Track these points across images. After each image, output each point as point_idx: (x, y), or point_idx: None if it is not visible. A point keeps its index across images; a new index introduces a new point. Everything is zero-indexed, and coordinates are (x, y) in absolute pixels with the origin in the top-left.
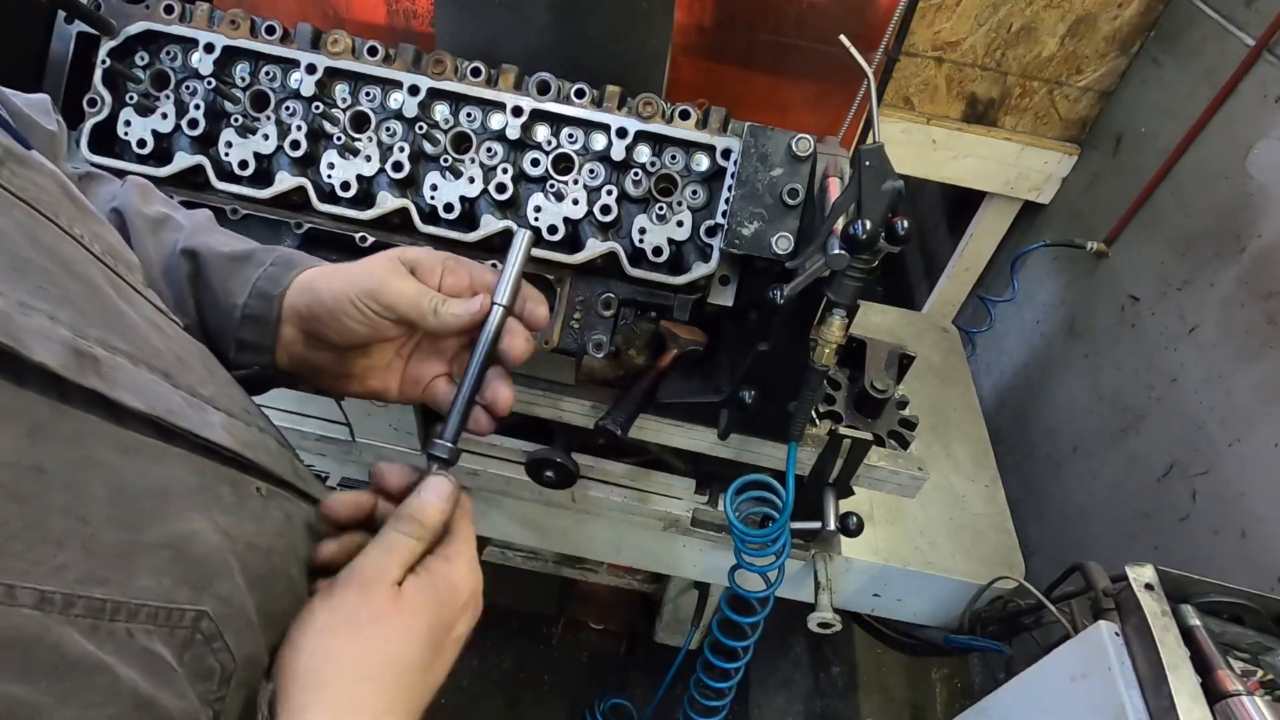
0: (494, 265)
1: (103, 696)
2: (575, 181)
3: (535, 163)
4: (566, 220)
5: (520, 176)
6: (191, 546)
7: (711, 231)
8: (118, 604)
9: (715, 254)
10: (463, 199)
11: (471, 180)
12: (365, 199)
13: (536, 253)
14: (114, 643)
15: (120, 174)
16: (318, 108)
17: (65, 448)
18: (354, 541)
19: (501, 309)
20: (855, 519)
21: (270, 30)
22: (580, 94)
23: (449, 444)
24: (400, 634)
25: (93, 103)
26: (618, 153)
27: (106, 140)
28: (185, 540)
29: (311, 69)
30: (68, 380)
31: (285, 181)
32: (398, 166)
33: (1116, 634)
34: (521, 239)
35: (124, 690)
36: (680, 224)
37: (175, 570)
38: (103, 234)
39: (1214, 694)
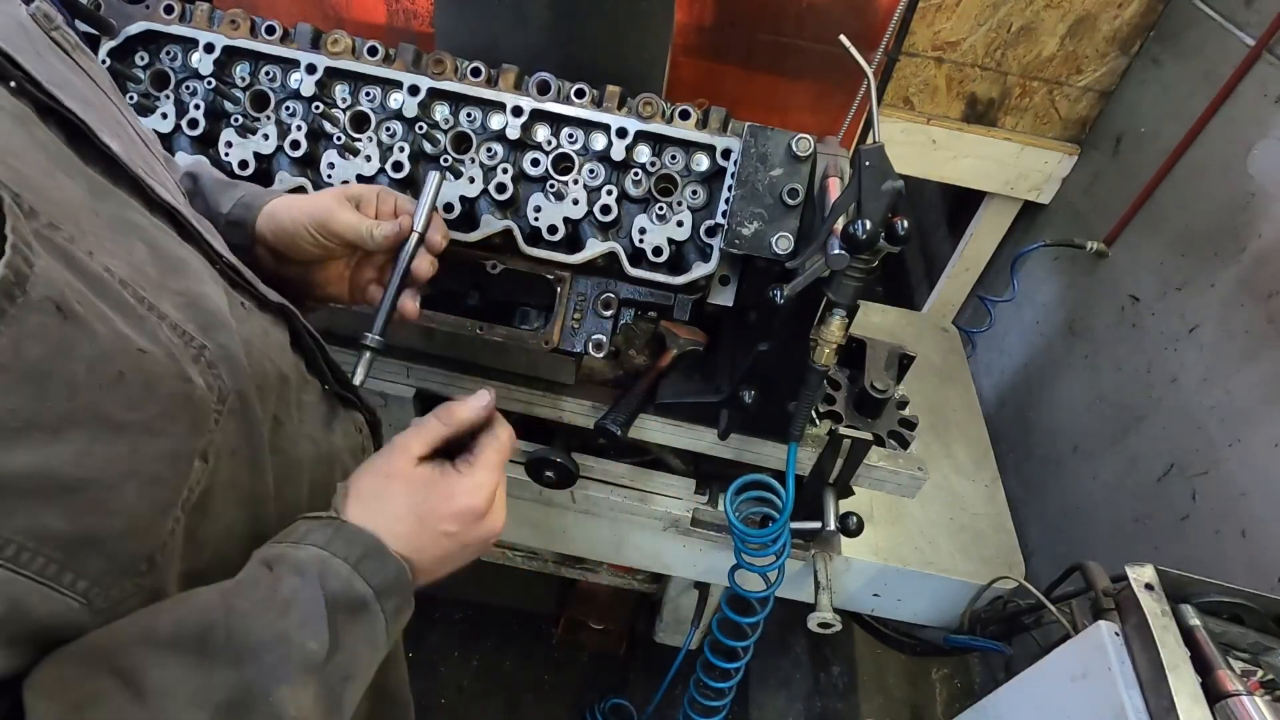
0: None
1: (149, 336)
2: (575, 181)
3: (535, 163)
4: (566, 220)
5: (520, 176)
6: (202, 302)
7: (711, 231)
8: (152, 304)
9: (715, 254)
10: (463, 199)
11: (472, 180)
12: None
13: (536, 252)
14: (151, 323)
15: None
16: (318, 108)
17: (116, 207)
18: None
19: (416, 235)
20: (855, 519)
21: (270, 30)
22: (580, 94)
23: (378, 337)
24: (396, 491)
25: None
26: (618, 153)
27: None
28: (198, 296)
29: (311, 69)
30: (120, 164)
31: (285, 182)
32: (398, 166)
33: (1116, 634)
34: (433, 179)
35: (161, 341)
36: (680, 224)
37: (189, 312)
38: (138, 121)
39: (1214, 694)
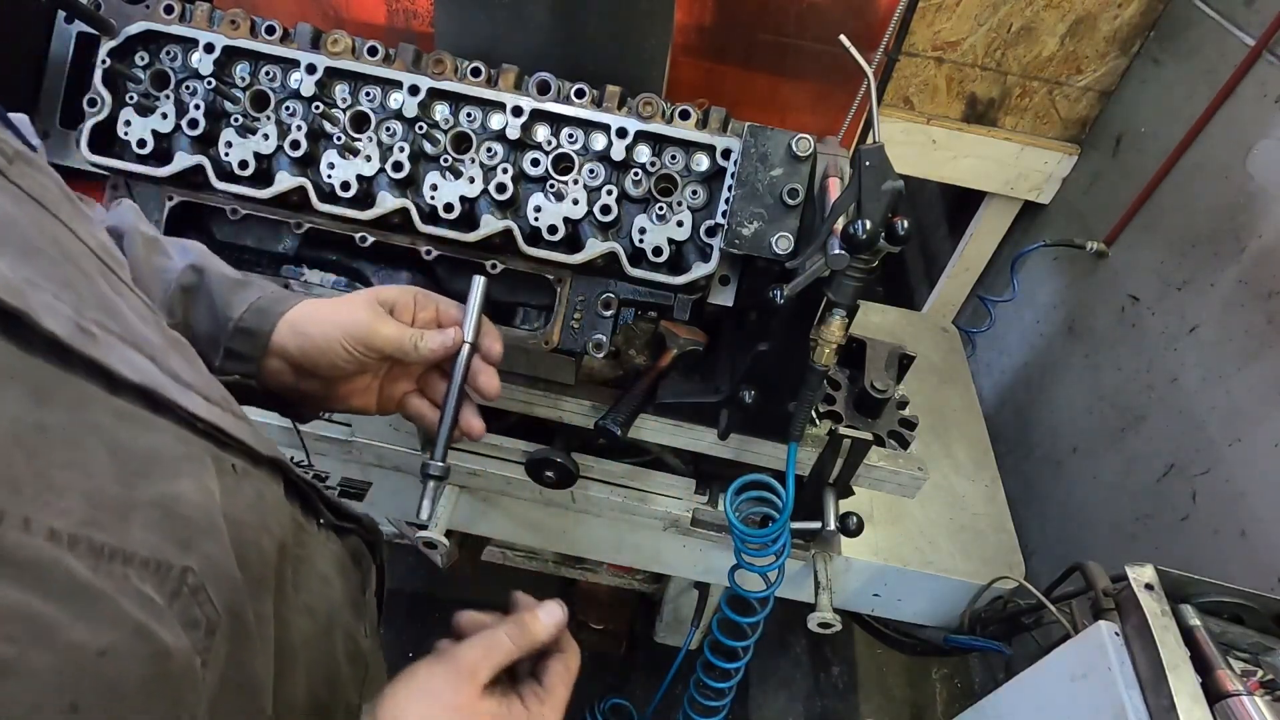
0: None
1: (109, 621)
2: (575, 181)
3: (535, 163)
4: (566, 220)
5: (520, 176)
6: (179, 507)
7: (711, 231)
8: (115, 549)
9: (715, 254)
10: (463, 199)
11: (471, 180)
12: (365, 199)
13: (536, 252)
14: (113, 580)
15: (121, 173)
16: (318, 108)
17: (67, 410)
18: (481, 623)
19: (468, 346)
20: (855, 519)
21: (270, 30)
22: (580, 94)
23: (441, 464)
24: None
25: (93, 103)
26: (618, 153)
27: (106, 140)
28: (174, 500)
29: (311, 69)
30: (71, 349)
31: (285, 181)
32: (398, 166)
33: (1116, 634)
34: (479, 284)
35: (125, 618)
36: (680, 224)
37: (165, 528)
38: (96, 234)
39: (1214, 694)
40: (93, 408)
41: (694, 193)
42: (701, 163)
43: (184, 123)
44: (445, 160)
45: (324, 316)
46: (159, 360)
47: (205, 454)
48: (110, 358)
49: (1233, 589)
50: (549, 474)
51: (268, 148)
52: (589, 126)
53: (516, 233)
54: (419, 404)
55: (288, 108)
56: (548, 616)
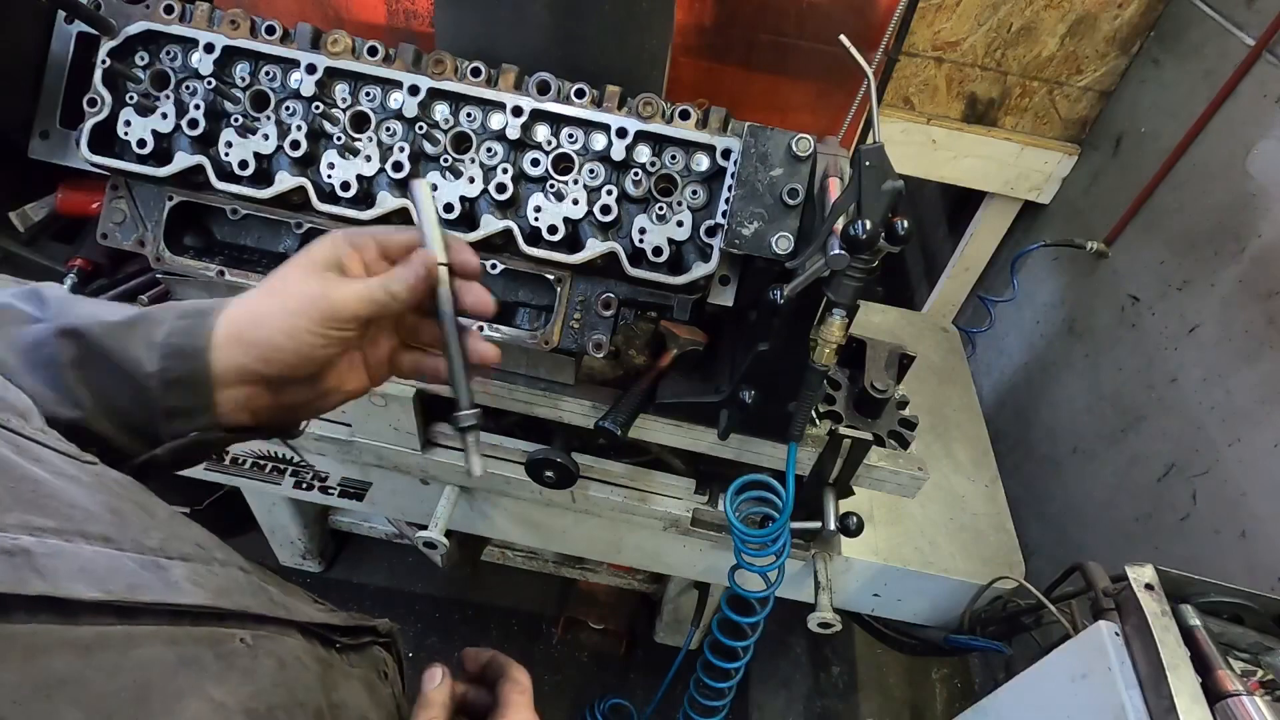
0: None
1: None
2: (575, 181)
3: (535, 163)
4: (566, 220)
5: (520, 176)
6: None
7: (711, 231)
8: None
9: (715, 254)
10: (463, 199)
11: (471, 180)
12: (365, 199)
13: (536, 252)
14: None
15: (121, 173)
16: (318, 108)
17: (20, 680)
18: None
19: (444, 267)
20: (855, 519)
21: (270, 30)
22: (580, 94)
23: (470, 410)
24: None
25: (93, 103)
26: (618, 153)
27: (106, 140)
28: None
29: (311, 69)
30: (7, 595)
31: (285, 181)
32: (398, 166)
33: (1116, 634)
34: (421, 189)
35: None
36: (680, 224)
37: None
38: None
39: (1214, 694)
40: (51, 657)
41: (694, 193)
42: (701, 163)
43: (184, 123)
44: (445, 160)
45: (272, 312)
46: (114, 537)
47: (205, 646)
48: (58, 580)
49: (1233, 589)
50: (549, 474)
51: (268, 148)
52: (589, 126)
53: (516, 232)
54: (412, 357)
55: (288, 108)
56: (427, 683)
